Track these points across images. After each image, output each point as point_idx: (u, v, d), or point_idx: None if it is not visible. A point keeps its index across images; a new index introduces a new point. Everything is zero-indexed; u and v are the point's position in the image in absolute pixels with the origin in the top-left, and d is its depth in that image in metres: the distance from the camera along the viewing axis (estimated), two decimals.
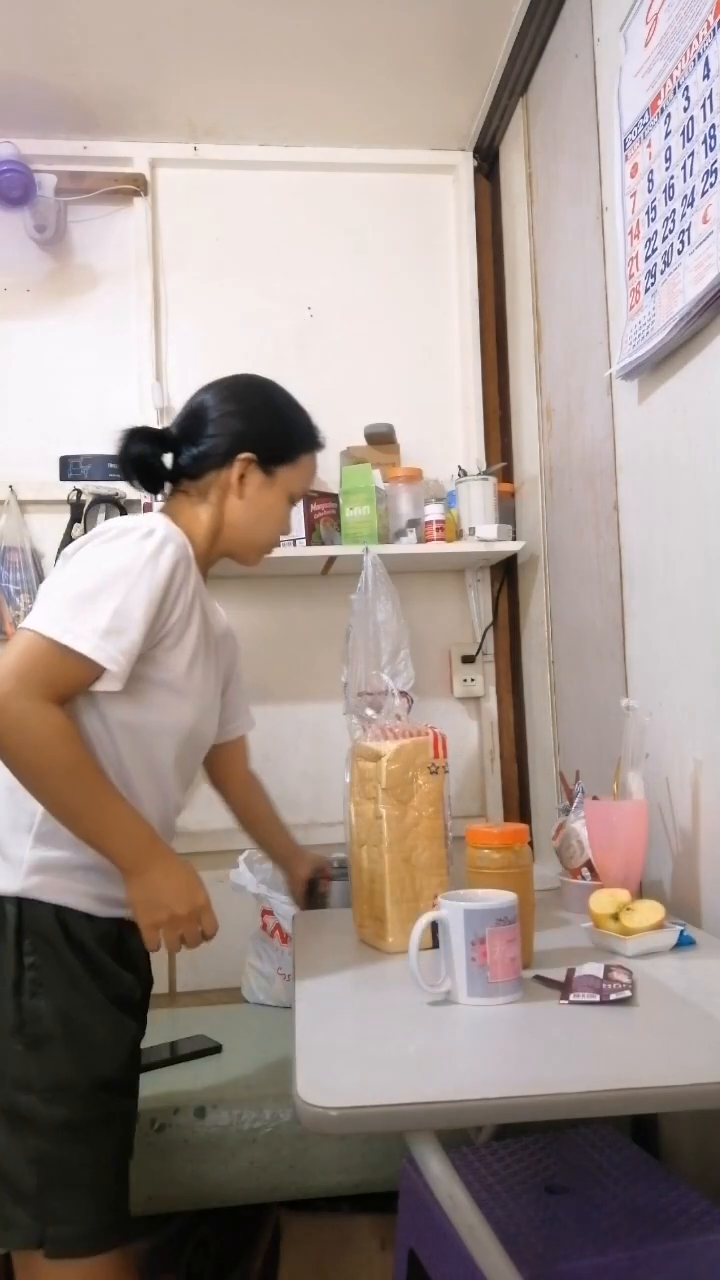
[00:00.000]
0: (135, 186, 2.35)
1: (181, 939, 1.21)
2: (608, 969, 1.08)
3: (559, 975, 1.10)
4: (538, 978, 1.10)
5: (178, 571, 1.23)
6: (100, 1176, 1.17)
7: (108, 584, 1.17)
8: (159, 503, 1.47)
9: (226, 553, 1.42)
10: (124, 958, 1.27)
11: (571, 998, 1.02)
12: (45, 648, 1.14)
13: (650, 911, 1.22)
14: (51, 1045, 1.16)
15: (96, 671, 1.16)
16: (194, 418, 1.40)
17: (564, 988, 1.05)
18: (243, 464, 1.36)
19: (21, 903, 1.20)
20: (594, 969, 1.08)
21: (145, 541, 1.21)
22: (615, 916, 1.22)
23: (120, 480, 2.24)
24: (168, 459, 1.42)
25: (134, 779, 1.26)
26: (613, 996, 1.01)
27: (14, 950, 1.18)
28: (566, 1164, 1.32)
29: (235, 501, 1.38)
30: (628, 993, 1.02)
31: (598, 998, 1.01)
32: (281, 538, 1.48)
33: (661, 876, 1.49)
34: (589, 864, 1.45)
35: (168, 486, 1.44)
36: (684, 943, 1.22)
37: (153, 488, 1.43)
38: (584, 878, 1.45)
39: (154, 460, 1.40)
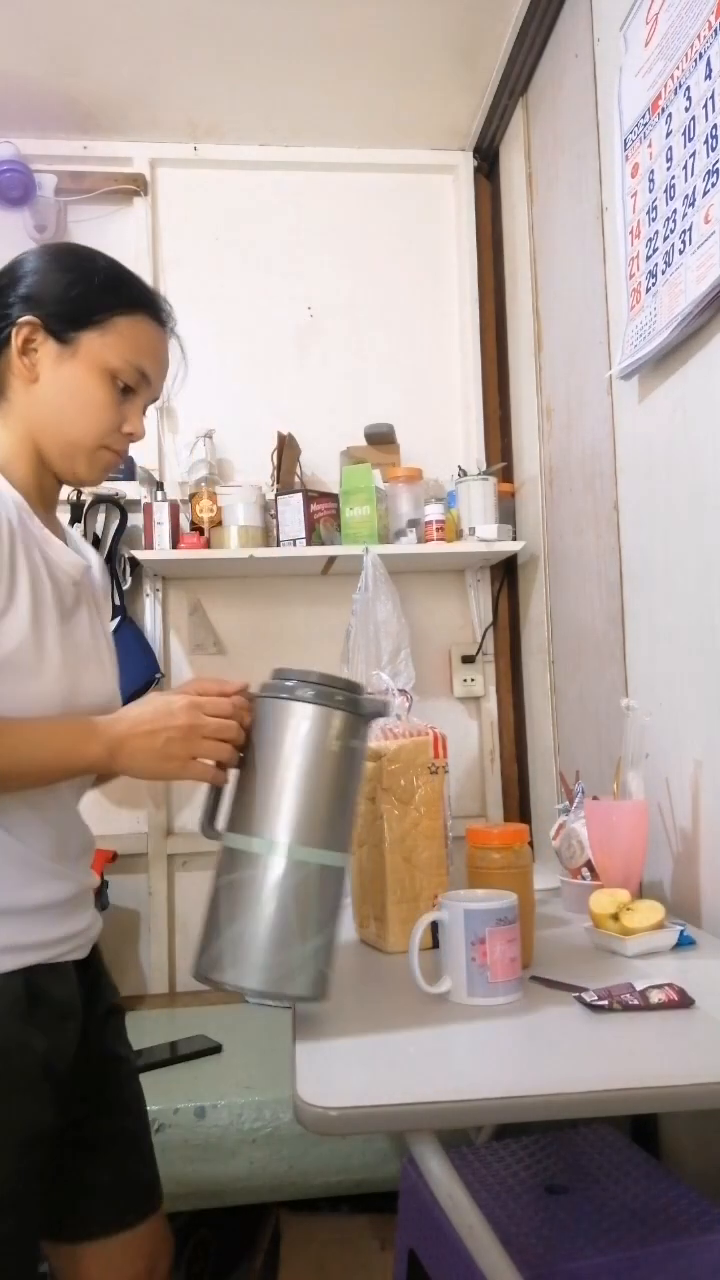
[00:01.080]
0: (135, 186, 2.35)
1: (208, 748, 0.95)
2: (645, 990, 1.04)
3: (559, 975, 1.10)
4: (537, 978, 1.10)
5: None
6: None
7: None
8: None
9: (53, 467, 1.07)
10: (38, 1021, 1.00)
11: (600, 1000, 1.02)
12: None
13: (650, 911, 1.22)
14: None
15: None
16: None
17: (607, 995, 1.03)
18: (23, 331, 1.02)
19: None
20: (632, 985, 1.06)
21: None
22: (615, 916, 1.22)
23: (121, 480, 2.26)
24: None
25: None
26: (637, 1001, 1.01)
27: None
28: (566, 1164, 1.32)
29: (30, 389, 1.04)
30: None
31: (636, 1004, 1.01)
32: (127, 440, 1.09)
33: (661, 876, 1.49)
34: (589, 864, 1.45)
35: None
36: (684, 943, 1.22)
37: None
38: (584, 878, 1.45)
39: None
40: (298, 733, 0.95)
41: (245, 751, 0.98)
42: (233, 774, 0.99)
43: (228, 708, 0.95)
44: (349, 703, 0.96)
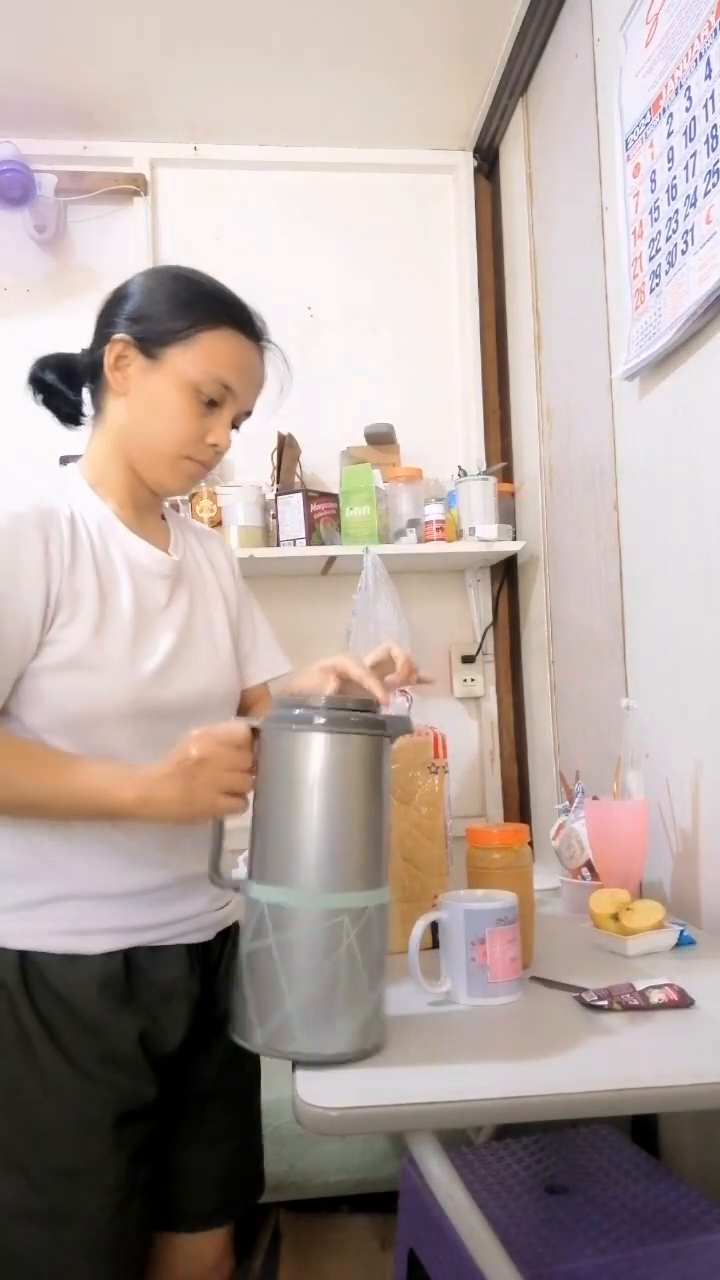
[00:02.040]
0: (135, 186, 2.35)
1: (230, 780, 0.95)
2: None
3: (559, 976, 1.10)
4: (537, 978, 1.10)
5: (24, 536, 1.01)
6: (60, 1277, 0.98)
7: None
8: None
9: (141, 476, 1.13)
10: (136, 1001, 1.06)
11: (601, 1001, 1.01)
12: None
13: (650, 911, 1.22)
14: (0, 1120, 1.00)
15: None
16: (94, 334, 1.16)
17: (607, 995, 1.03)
18: (115, 348, 1.09)
19: None
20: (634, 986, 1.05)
21: None
22: (615, 916, 1.22)
23: None
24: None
25: None
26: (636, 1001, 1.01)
27: None
28: (566, 1164, 1.32)
29: (120, 402, 1.11)
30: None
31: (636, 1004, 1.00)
32: (212, 452, 1.12)
33: (661, 876, 1.49)
34: (589, 864, 1.45)
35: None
36: (684, 943, 1.22)
37: (70, 421, 1.21)
38: (584, 878, 1.45)
39: (64, 389, 1.19)
40: (322, 768, 0.88)
41: (258, 789, 0.92)
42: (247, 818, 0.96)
43: (242, 732, 0.95)
44: (368, 724, 0.90)
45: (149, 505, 1.17)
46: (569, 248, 1.93)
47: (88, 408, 1.18)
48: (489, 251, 2.47)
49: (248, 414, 1.16)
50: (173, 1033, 1.09)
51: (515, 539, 2.25)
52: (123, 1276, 1.02)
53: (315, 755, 0.88)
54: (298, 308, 2.42)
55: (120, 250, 2.37)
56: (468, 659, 2.41)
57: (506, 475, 2.35)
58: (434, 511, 2.20)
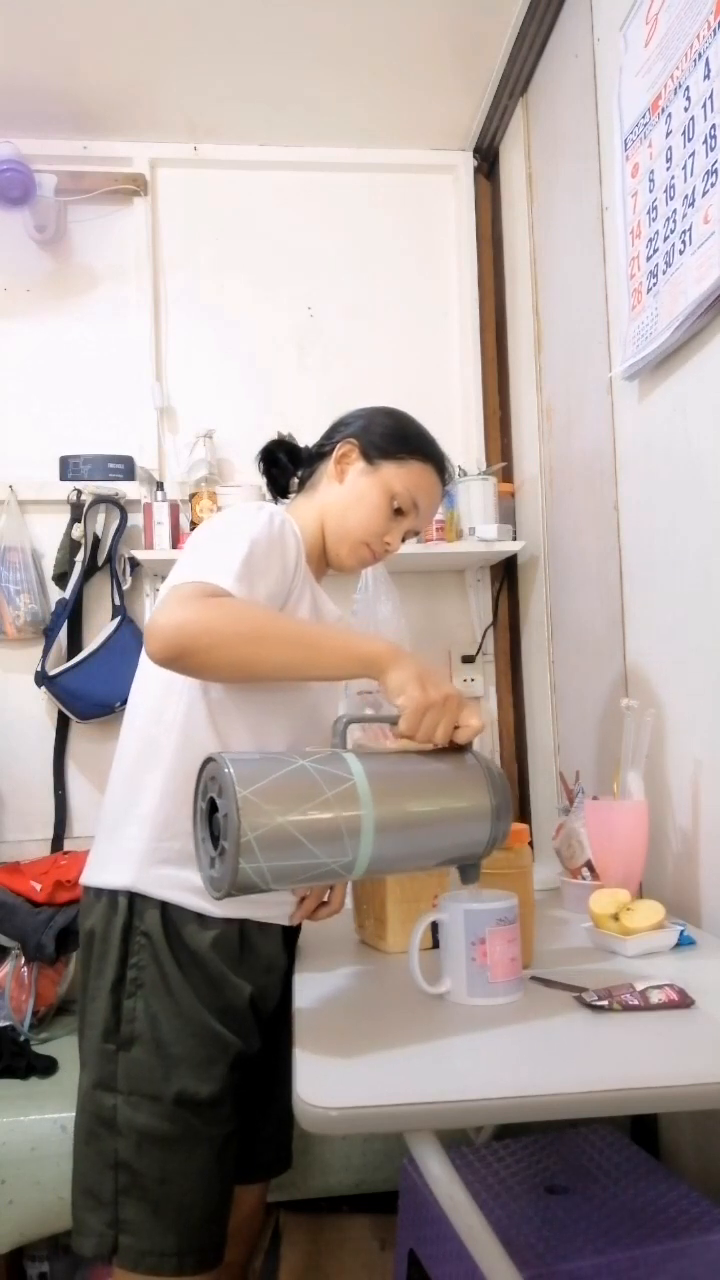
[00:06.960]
0: (135, 186, 2.35)
1: (445, 723, 1.08)
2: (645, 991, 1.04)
3: (559, 976, 1.10)
4: (537, 978, 1.10)
5: (288, 533, 1.23)
6: (179, 1196, 1.11)
7: (224, 537, 1.19)
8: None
9: (325, 546, 1.37)
10: (247, 966, 1.19)
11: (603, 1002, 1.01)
12: (192, 586, 1.11)
13: (650, 911, 1.22)
14: (140, 1049, 1.13)
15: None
16: (325, 433, 1.44)
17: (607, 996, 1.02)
18: (344, 446, 1.37)
19: (133, 898, 1.16)
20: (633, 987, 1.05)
21: (256, 513, 1.24)
22: (615, 916, 1.22)
23: (121, 480, 2.27)
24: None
25: None
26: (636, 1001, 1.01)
27: (119, 948, 1.15)
28: (566, 1164, 1.32)
29: (334, 485, 1.37)
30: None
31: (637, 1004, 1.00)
32: (384, 549, 1.38)
33: (661, 876, 1.49)
34: (589, 864, 1.45)
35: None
36: (684, 943, 1.22)
37: (279, 492, 1.49)
38: (584, 878, 1.45)
39: (289, 467, 1.46)
40: (462, 819, 1.05)
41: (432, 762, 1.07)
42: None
43: (479, 727, 1.09)
44: (494, 842, 1.06)
45: (320, 569, 1.39)
46: (569, 248, 1.93)
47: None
48: (489, 251, 2.46)
49: (416, 533, 1.41)
50: (271, 999, 1.24)
51: (515, 539, 2.25)
52: (225, 1205, 1.17)
53: (468, 812, 1.05)
54: (298, 308, 2.42)
55: (120, 250, 2.37)
56: (468, 659, 2.40)
57: (506, 475, 2.35)
58: None
